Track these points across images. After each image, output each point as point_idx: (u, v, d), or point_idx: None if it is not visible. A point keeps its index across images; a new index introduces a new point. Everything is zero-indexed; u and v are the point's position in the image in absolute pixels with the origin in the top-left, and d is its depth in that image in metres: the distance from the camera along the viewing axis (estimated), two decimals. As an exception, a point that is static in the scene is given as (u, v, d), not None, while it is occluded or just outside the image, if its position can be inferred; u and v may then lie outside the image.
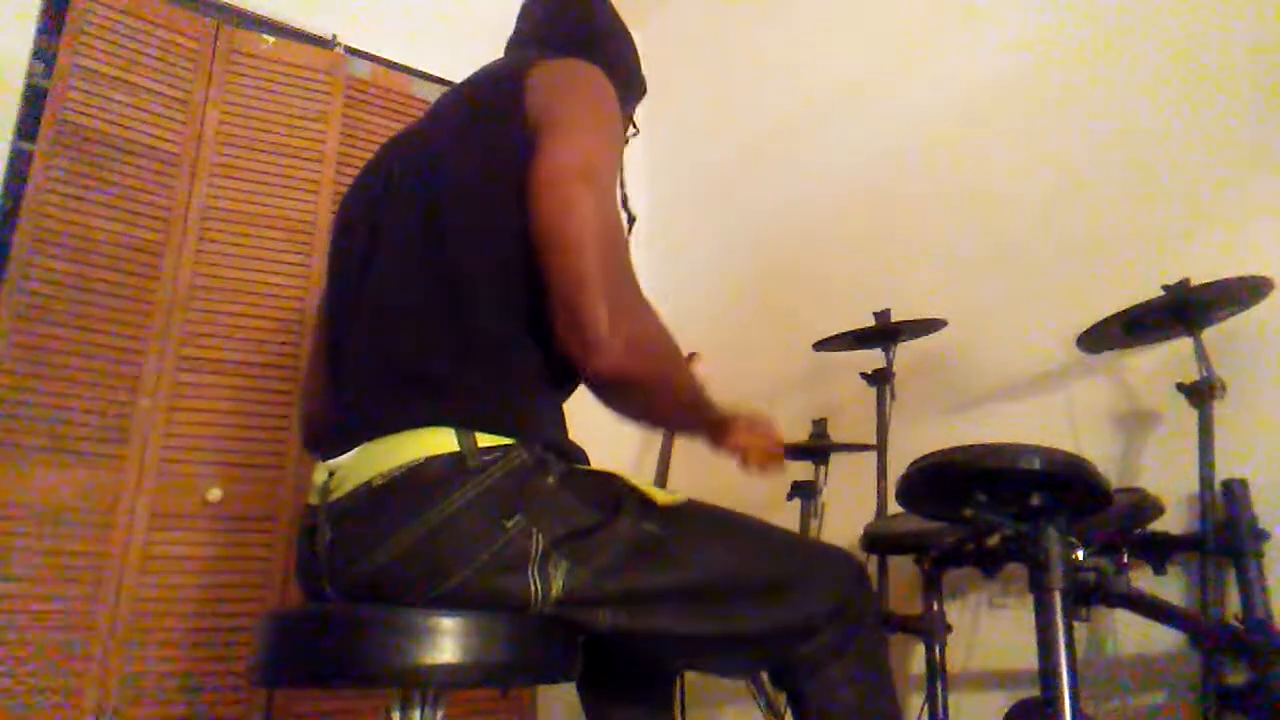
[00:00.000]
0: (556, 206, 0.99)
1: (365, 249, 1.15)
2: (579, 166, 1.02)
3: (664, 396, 1.09)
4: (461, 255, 1.05)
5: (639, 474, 1.10)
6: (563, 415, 1.13)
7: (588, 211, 0.99)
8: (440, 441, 0.99)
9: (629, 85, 1.35)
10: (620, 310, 0.97)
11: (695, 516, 1.10)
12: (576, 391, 1.14)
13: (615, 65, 1.28)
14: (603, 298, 0.96)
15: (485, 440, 0.99)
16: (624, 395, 1.04)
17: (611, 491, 1.06)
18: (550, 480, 1.02)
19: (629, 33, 1.40)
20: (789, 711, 1.16)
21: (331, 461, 1.06)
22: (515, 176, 1.03)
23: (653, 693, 1.33)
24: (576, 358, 0.99)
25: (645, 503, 1.06)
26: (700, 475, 2.71)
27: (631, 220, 1.31)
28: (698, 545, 1.07)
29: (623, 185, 1.15)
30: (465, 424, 1.00)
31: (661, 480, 2.42)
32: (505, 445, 1.00)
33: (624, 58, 1.36)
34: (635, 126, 1.42)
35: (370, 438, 1.02)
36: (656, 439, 2.56)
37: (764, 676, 1.98)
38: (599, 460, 1.11)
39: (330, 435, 1.10)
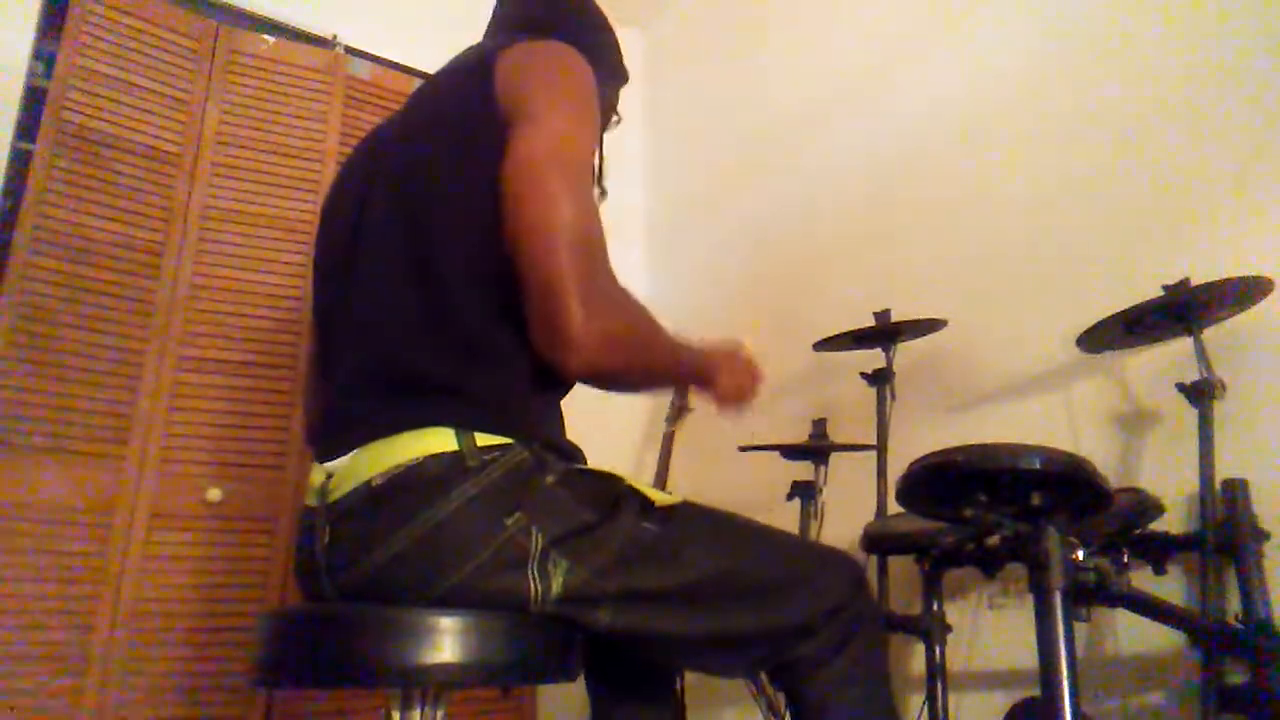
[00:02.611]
0: (526, 197, 0.98)
1: (350, 249, 1.14)
2: (550, 153, 1.00)
3: (642, 378, 1.11)
4: (449, 253, 1.04)
5: (639, 474, 1.10)
6: (560, 414, 1.13)
7: (559, 202, 0.97)
8: (439, 441, 0.98)
9: (609, 71, 1.32)
10: (594, 305, 0.96)
11: (694, 517, 1.10)
12: (575, 391, 1.14)
13: (592, 49, 1.24)
14: (575, 294, 0.95)
15: (484, 440, 0.99)
16: (602, 384, 1.05)
17: (611, 490, 1.05)
18: (550, 479, 1.02)
19: (606, 20, 1.37)
20: (788, 711, 1.16)
21: (329, 464, 1.06)
22: (493, 170, 1.01)
23: (654, 691, 1.34)
24: (549, 355, 0.99)
25: (644, 502, 1.06)
26: (700, 475, 2.71)
27: (602, 194, 1.26)
28: (697, 545, 1.07)
29: (601, 160, 1.13)
30: (463, 424, 0.99)
31: (661, 481, 2.42)
32: (504, 444, 1.00)
33: (602, 43, 1.33)
34: (618, 114, 1.40)
35: (368, 439, 1.02)
36: (657, 435, 2.56)
37: (764, 676, 1.98)
38: (598, 460, 1.11)
39: (327, 437, 1.10)
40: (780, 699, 1.95)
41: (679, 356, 1.15)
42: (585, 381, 1.03)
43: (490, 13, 1.37)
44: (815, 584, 1.11)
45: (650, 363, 1.09)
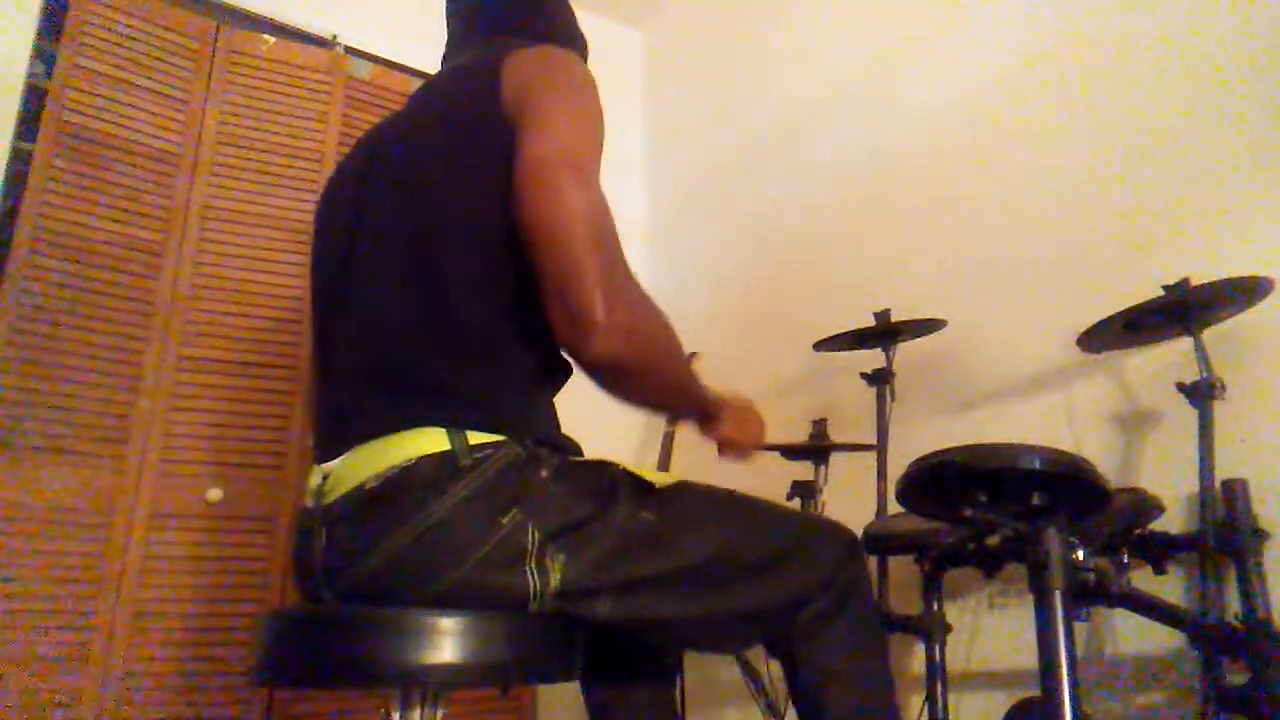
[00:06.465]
0: (543, 197, 0.98)
1: (345, 250, 1.14)
2: (562, 155, 1.01)
3: (660, 380, 1.09)
4: (444, 253, 1.05)
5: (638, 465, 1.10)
6: (554, 410, 1.13)
7: (575, 200, 0.98)
8: (431, 441, 0.99)
9: (581, 49, 1.33)
10: (615, 296, 0.97)
11: (688, 498, 1.11)
12: (574, 387, 1.14)
13: (566, 32, 1.28)
14: (597, 285, 0.95)
15: (476, 438, 0.99)
16: (621, 380, 1.04)
17: (605, 480, 1.06)
18: (544, 474, 1.02)
19: (576, 22, 1.37)
20: (789, 709, 1.16)
21: (325, 464, 1.06)
22: (496, 172, 1.02)
23: (654, 689, 1.34)
24: (573, 346, 0.99)
25: (639, 487, 1.06)
26: (700, 475, 2.71)
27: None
28: (692, 528, 1.08)
29: None
30: (456, 423, 1.00)
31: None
32: (497, 442, 1.00)
33: (568, 20, 1.34)
34: None
35: (362, 440, 1.02)
36: (658, 435, 2.56)
37: (763, 676, 1.98)
38: (597, 454, 1.11)
39: (322, 438, 1.10)
40: (781, 699, 1.95)
41: (694, 383, 1.16)
42: (601, 374, 1.02)
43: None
44: (810, 555, 1.13)
45: (666, 372, 1.09)
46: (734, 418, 1.26)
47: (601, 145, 1.08)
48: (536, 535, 0.98)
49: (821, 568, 1.12)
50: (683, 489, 1.11)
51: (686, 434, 2.53)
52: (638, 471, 1.07)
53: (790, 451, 2.01)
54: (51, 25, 2.19)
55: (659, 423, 2.57)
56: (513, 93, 1.05)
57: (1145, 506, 1.49)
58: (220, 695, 2.03)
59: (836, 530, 1.19)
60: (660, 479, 1.08)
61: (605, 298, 0.95)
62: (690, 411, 1.22)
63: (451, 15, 1.35)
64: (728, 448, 1.28)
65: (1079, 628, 1.14)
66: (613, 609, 1.02)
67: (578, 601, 1.01)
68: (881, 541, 1.79)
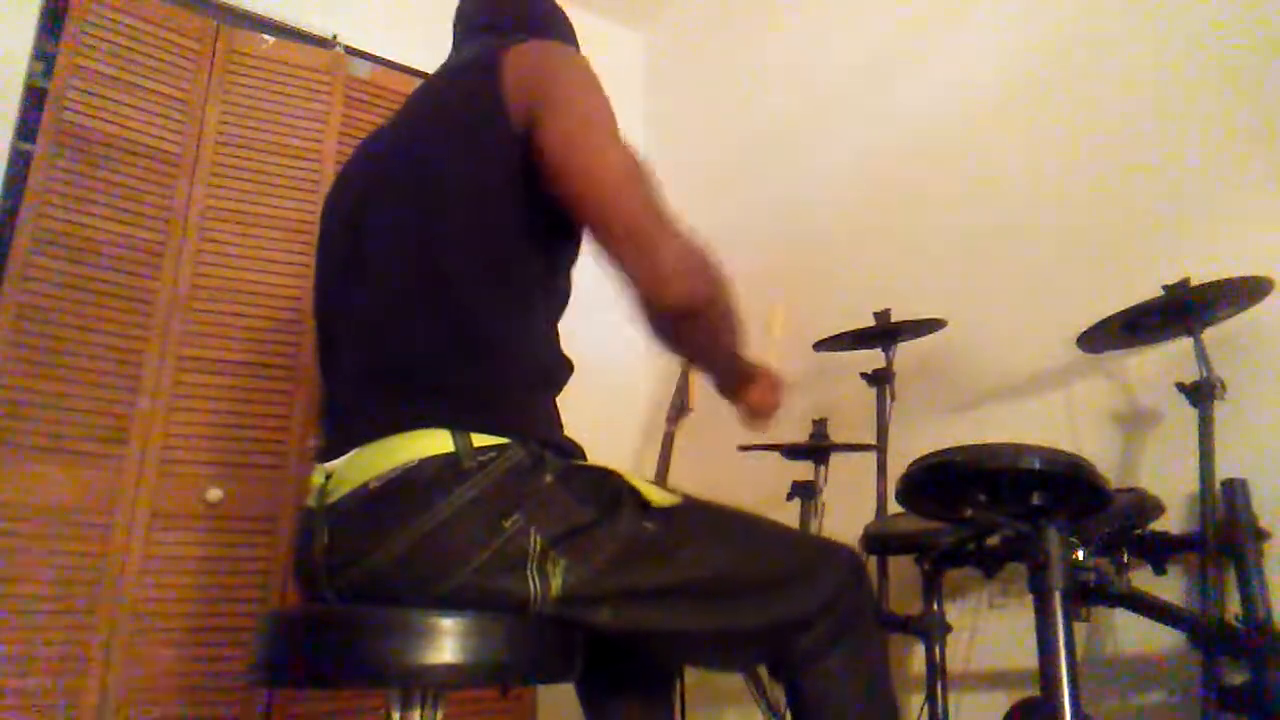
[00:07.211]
0: (583, 159, 1.00)
1: (348, 251, 1.14)
2: (590, 122, 1.03)
3: (726, 320, 1.11)
4: (449, 254, 1.04)
5: (639, 472, 1.10)
6: (557, 412, 1.12)
7: (617, 158, 1.00)
8: (435, 443, 0.98)
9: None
10: (678, 238, 0.99)
11: (693, 514, 1.11)
12: (574, 387, 1.15)
13: (565, 34, 1.30)
14: (665, 230, 0.98)
15: (480, 440, 0.99)
16: (694, 322, 1.04)
17: (610, 488, 1.06)
18: (548, 478, 1.02)
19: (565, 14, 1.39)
20: (789, 710, 1.16)
21: (328, 464, 1.06)
22: (496, 167, 1.03)
23: (652, 691, 1.33)
24: (651, 291, 0.99)
25: (643, 501, 1.06)
26: (700, 475, 2.71)
27: None
28: (696, 542, 1.07)
29: None
30: (460, 424, 1.00)
31: (661, 481, 2.42)
32: (501, 444, 1.00)
33: (566, 23, 1.36)
34: None
35: (365, 440, 1.02)
36: (658, 436, 2.56)
37: (764, 676, 1.98)
38: (598, 459, 1.11)
39: (326, 438, 1.10)
40: (780, 698, 1.95)
41: (739, 334, 1.16)
42: (676, 324, 1.02)
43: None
44: (813, 577, 1.12)
45: (730, 311, 1.10)
46: (767, 384, 1.27)
47: (615, 118, 1.08)
48: (538, 540, 0.98)
49: (824, 591, 1.11)
50: (687, 505, 1.10)
51: (687, 435, 2.53)
52: (641, 488, 1.06)
53: (790, 451, 2.01)
54: (51, 25, 2.19)
55: (659, 423, 2.57)
56: (515, 84, 1.05)
57: (1145, 506, 1.49)
58: (220, 695, 2.02)
59: (840, 553, 1.18)
60: (664, 499, 1.07)
61: (667, 236, 0.98)
62: (735, 367, 1.22)
63: (455, 19, 1.36)
64: (752, 414, 1.29)
65: (1079, 628, 1.14)
66: (612, 617, 1.02)
67: (578, 608, 1.01)
68: (881, 541, 1.79)
